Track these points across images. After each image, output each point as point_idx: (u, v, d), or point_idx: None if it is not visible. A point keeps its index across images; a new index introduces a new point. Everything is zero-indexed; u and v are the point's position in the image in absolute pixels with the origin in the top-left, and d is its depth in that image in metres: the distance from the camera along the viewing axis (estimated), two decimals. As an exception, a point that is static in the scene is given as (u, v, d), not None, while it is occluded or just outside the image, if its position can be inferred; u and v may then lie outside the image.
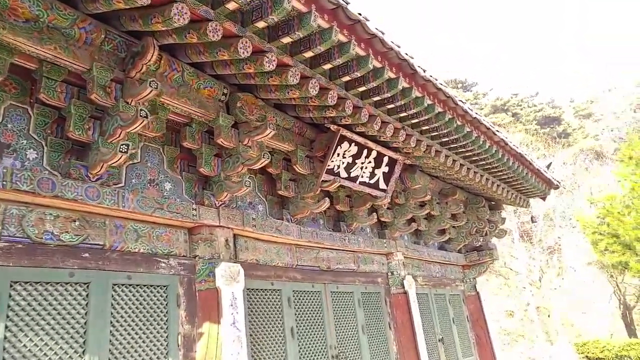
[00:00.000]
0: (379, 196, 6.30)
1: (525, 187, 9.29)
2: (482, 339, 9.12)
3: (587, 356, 18.61)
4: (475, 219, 9.05)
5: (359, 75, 4.37)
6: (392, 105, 5.12)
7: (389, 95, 4.86)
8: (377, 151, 5.91)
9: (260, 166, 4.49)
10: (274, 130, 4.38)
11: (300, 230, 5.56)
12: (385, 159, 6.14)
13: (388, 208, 7.38)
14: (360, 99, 4.89)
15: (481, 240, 9.20)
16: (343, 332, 5.97)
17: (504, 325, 28.77)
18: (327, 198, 5.40)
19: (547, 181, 9.72)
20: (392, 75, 4.65)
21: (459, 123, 5.92)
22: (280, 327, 5.13)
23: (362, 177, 5.93)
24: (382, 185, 6.29)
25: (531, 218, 11.51)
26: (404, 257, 7.57)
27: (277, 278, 5.31)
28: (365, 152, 5.76)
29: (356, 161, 5.73)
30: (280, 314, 5.19)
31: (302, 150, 5.36)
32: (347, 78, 4.40)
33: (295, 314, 5.38)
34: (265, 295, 5.12)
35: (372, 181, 6.12)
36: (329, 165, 5.37)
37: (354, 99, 4.76)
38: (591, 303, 27.83)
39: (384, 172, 6.24)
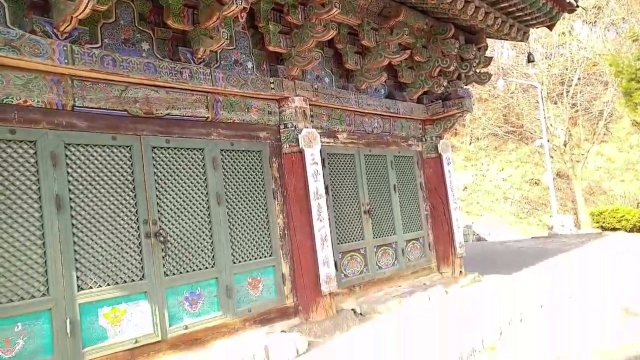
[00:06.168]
0: (227, 1, 4.01)
1: (514, 5, 6.51)
2: (439, 210, 7.30)
3: (601, 226, 16.71)
4: (439, 55, 6.58)
5: None
6: None
7: None
8: None
9: None
10: None
11: (70, 51, 3.51)
12: None
13: (282, 32, 5.10)
14: None
15: (445, 85, 6.81)
16: (180, 200, 4.26)
17: (525, 194, 27.06)
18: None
19: (555, -1, 6.83)
20: None
21: None
22: (35, 196, 3.43)
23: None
24: (230, -17, 3.96)
25: (528, 56, 8.75)
26: (312, 104, 5.48)
27: (29, 124, 3.46)
28: None
29: None
30: (34, 176, 3.45)
31: None
32: None
33: (72, 177, 3.64)
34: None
35: (204, -26, 3.79)
36: None
37: None
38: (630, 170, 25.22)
39: (230, -39, 3.87)
